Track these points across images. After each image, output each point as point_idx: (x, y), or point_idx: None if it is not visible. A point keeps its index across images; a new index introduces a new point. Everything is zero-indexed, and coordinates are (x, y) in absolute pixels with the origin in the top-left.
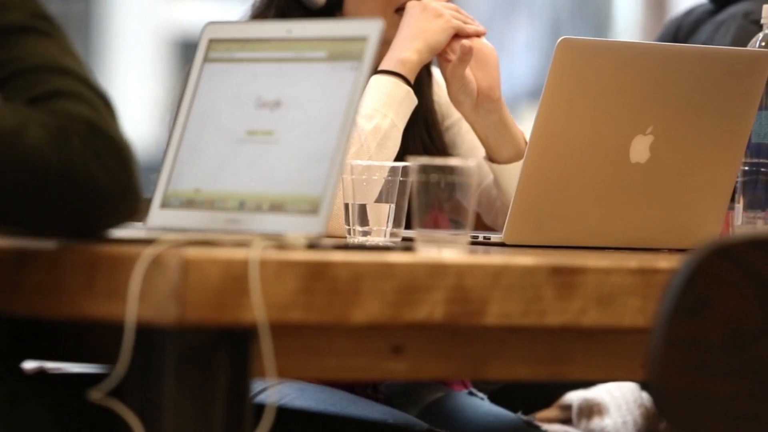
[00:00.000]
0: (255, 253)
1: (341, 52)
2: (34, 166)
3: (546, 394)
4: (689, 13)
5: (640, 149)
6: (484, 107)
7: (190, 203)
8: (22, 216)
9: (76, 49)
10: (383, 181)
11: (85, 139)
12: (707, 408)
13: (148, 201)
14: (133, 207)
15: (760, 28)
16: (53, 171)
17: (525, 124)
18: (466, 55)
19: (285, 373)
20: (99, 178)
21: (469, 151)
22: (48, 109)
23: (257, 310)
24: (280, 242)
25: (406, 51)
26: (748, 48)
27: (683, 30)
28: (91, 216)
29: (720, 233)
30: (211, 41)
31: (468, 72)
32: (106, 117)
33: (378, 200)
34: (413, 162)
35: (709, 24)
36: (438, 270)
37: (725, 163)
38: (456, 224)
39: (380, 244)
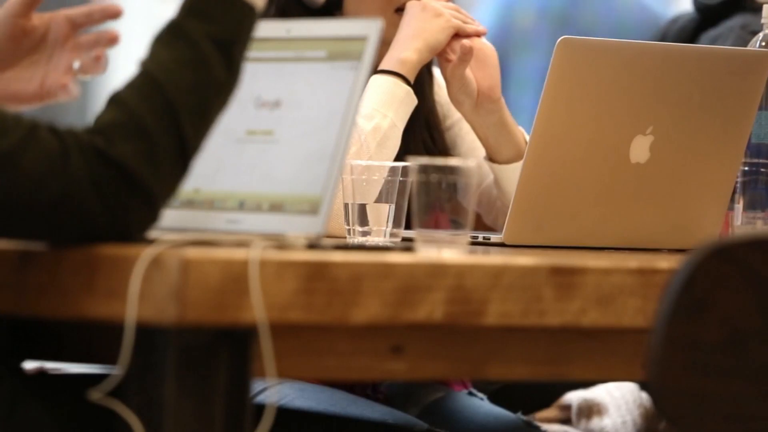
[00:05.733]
0: (255, 253)
1: (341, 51)
2: (26, 187)
3: (546, 394)
4: (675, 20)
5: (640, 149)
6: (484, 107)
7: (189, 203)
8: (10, 232)
9: (220, 95)
10: (383, 181)
11: (91, 164)
12: (707, 408)
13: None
14: (124, 236)
15: None
16: (43, 193)
17: (526, 125)
18: (466, 54)
19: (285, 373)
20: (90, 206)
21: (469, 152)
22: (96, 117)
23: (257, 310)
24: (280, 242)
25: (406, 51)
26: (748, 48)
27: (669, 37)
28: (79, 239)
29: (720, 233)
30: None
31: (468, 72)
32: (145, 158)
33: (378, 200)
34: (413, 162)
35: (704, 38)
36: (438, 270)
37: (725, 163)
38: (456, 224)
39: (380, 244)
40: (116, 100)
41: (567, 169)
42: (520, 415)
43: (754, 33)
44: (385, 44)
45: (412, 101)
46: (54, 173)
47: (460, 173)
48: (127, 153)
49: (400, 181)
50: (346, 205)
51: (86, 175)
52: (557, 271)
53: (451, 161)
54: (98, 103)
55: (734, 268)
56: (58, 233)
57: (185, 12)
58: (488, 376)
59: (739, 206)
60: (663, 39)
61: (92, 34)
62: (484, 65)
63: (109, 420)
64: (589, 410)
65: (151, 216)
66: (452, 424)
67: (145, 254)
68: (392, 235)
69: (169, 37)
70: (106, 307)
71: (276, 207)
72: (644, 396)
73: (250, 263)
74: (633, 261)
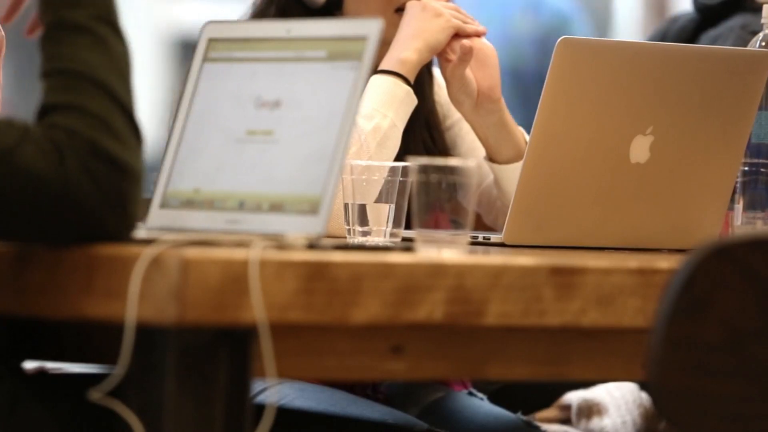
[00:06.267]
0: (255, 254)
1: (341, 51)
2: (26, 184)
3: (546, 394)
4: (675, 20)
5: (640, 149)
6: (484, 107)
7: (189, 203)
8: (10, 230)
9: (128, 64)
10: (383, 181)
11: (83, 160)
12: (707, 408)
13: (147, 202)
14: (124, 229)
15: None
16: (44, 190)
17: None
18: (466, 54)
19: (285, 373)
20: (91, 200)
21: (469, 152)
22: (54, 123)
23: (257, 310)
24: (280, 242)
25: (406, 51)
26: (748, 48)
27: (669, 37)
28: (79, 235)
29: (720, 233)
30: (211, 41)
31: (468, 72)
32: (115, 139)
33: (378, 200)
34: (413, 162)
35: (704, 38)
36: (438, 270)
37: (725, 163)
38: (456, 224)
39: (380, 244)
40: (52, 107)
41: (567, 169)
42: (520, 415)
43: (754, 33)
44: (385, 44)
45: (412, 101)
46: (53, 173)
47: (460, 173)
48: (105, 142)
49: (400, 181)
50: (346, 205)
51: (83, 171)
52: (557, 271)
53: (451, 161)
54: None
55: (734, 268)
56: (59, 231)
57: (57, 7)
58: (488, 376)
59: (739, 206)
60: (663, 39)
61: None
62: (484, 65)
63: (109, 420)
64: (589, 410)
65: (139, 190)
66: (452, 424)
67: (145, 254)
68: (392, 235)
69: (60, 34)
70: (105, 307)
71: (276, 207)
72: (644, 396)
73: (250, 263)
74: (633, 261)
